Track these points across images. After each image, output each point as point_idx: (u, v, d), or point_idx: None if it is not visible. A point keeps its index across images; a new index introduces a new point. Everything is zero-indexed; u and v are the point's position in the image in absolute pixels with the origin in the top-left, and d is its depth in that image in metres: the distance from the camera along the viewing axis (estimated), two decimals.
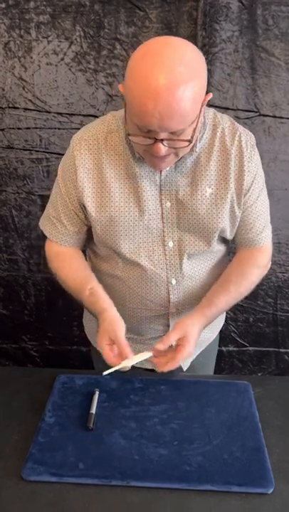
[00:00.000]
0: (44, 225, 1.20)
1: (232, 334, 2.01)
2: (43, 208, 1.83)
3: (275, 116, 1.65)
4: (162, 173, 1.05)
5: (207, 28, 1.54)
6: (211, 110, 1.08)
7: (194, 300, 1.20)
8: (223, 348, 2.03)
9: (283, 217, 1.79)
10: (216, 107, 1.63)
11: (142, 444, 1.00)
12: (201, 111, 0.90)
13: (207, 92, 0.93)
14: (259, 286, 1.87)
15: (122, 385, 1.17)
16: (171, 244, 1.11)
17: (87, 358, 1.55)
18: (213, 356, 1.44)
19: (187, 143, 0.92)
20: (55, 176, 1.77)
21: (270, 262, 1.21)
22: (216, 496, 0.90)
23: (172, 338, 1.06)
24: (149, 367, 1.29)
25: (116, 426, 1.04)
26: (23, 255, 1.93)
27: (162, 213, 1.08)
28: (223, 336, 1.96)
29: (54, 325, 2.03)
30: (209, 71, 1.58)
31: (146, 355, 1.07)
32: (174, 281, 1.16)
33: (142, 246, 1.11)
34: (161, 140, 0.89)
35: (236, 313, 1.97)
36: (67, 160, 1.10)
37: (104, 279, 1.22)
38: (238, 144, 1.05)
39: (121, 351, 1.02)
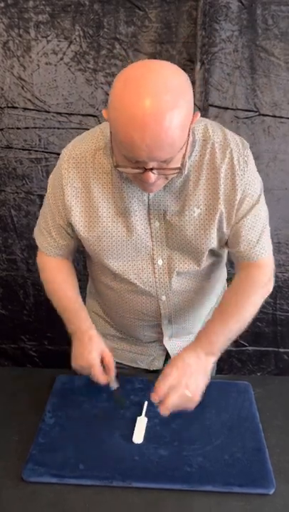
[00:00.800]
0: (36, 235, 1.21)
1: None
2: (41, 207, 1.83)
3: (274, 116, 1.65)
4: (150, 193, 1.02)
5: (207, 27, 1.53)
6: (203, 123, 1.03)
7: (186, 312, 1.21)
8: None
9: (283, 217, 1.79)
10: (215, 106, 1.63)
11: (143, 444, 1.00)
12: (189, 134, 0.88)
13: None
14: None
15: (123, 385, 1.17)
16: (160, 262, 1.11)
17: None
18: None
19: (177, 170, 0.90)
20: None
21: (273, 282, 1.15)
22: (216, 496, 0.90)
23: (162, 389, 0.97)
24: (144, 367, 1.30)
25: (116, 427, 1.04)
26: (22, 255, 1.93)
27: (151, 232, 1.07)
28: None
29: (53, 325, 2.02)
30: (209, 71, 1.58)
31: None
32: (164, 298, 1.16)
33: (131, 264, 1.11)
34: (151, 169, 0.87)
35: None
36: (55, 177, 1.08)
37: (99, 286, 1.23)
38: (229, 162, 1.00)
39: (109, 368, 1.07)
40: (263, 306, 1.92)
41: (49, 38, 1.60)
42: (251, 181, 1.03)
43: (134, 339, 1.29)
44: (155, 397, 0.96)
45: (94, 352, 1.05)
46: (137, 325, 1.24)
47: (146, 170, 0.86)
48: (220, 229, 1.06)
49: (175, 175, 0.94)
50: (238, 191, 1.01)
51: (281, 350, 2.04)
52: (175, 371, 0.99)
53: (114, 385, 1.08)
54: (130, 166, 0.88)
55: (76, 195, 1.05)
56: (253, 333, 2.01)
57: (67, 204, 1.06)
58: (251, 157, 1.04)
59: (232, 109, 1.64)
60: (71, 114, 1.69)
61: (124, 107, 0.80)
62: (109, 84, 1.64)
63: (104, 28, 1.58)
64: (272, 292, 1.90)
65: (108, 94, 1.64)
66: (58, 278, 1.19)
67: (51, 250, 1.17)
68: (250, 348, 2.04)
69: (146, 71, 0.81)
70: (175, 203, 1.04)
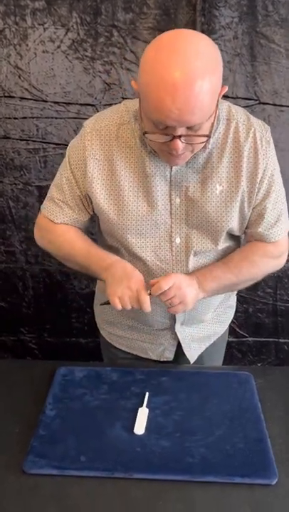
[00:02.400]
0: (48, 208, 1.15)
1: (231, 325, 1.99)
2: (40, 198, 1.82)
3: (275, 105, 1.63)
4: (173, 168, 1.03)
5: (206, 14, 1.51)
6: (226, 103, 1.05)
7: (200, 304, 1.19)
8: None
9: None
10: None
11: (144, 436, 1.00)
12: (217, 105, 0.89)
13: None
14: None
15: (123, 377, 1.16)
16: (178, 240, 1.10)
17: (87, 350, 1.55)
18: (221, 349, 1.44)
19: (205, 138, 0.90)
20: (52, 166, 1.77)
21: (284, 258, 1.16)
22: (219, 487, 0.90)
23: (165, 285, 1.03)
24: (154, 357, 1.29)
25: (117, 418, 1.04)
26: (21, 247, 1.91)
27: (171, 209, 1.07)
28: None
29: (53, 317, 2.03)
30: None
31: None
32: None
33: (149, 241, 1.10)
34: (179, 136, 0.87)
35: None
36: (77, 147, 1.07)
37: None
38: (253, 141, 1.02)
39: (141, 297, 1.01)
40: (263, 297, 1.95)
41: (46, 26, 1.58)
42: (272, 162, 1.05)
43: (145, 327, 1.27)
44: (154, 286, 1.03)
45: (136, 277, 1.02)
46: (148, 322, 1.23)
47: (174, 137, 0.87)
48: (242, 209, 1.07)
49: (201, 146, 0.94)
50: (260, 170, 1.02)
51: (281, 340, 2.04)
52: (171, 280, 1.03)
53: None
54: (159, 133, 0.89)
55: (99, 167, 1.05)
56: (253, 323, 2.01)
57: (89, 176, 1.05)
58: (272, 141, 1.05)
59: (232, 97, 1.62)
60: (69, 103, 1.67)
61: (156, 71, 0.81)
62: (108, 73, 1.62)
63: (101, 14, 1.55)
64: (273, 283, 1.92)
65: (107, 83, 1.63)
66: (72, 234, 1.14)
67: (63, 218, 1.13)
68: (250, 338, 2.04)
69: (178, 38, 0.83)
70: (197, 179, 1.04)
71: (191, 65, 0.80)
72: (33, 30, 1.59)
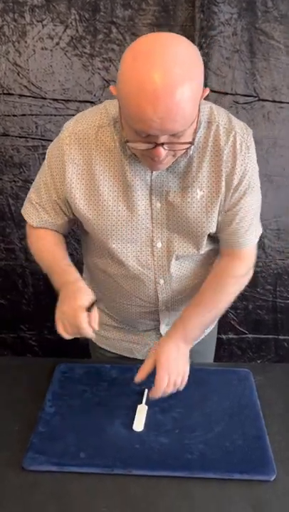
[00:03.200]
0: (27, 210, 1.14)
1: (231, 322, 2.00)
2: None
3: (274, 101, 1.62)
4: (153, 173, 1.01)
5: (205, 10, 1.50)
6: (208, 105, 1.02)
7: (184, 298, 1.20)
8: (223, 336, 2.02)
9: (282, 204, 1.77)
10: (214, 91, 1.61)
11: (143, 432, 1.00)
12: (199, 109, 0.87)
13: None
14: (259, 273, 1.88)
15: (122, 374, 1.17)
16: (159, 245, 1.09)
17: (87, 347, 1.54)
18: (212, 346, 1.44)
19: (188, 145, 0.89)
20: None
21: (252, 271, 1.15)
22: (217, 483, 0.90)
23: (146, 367, 1.06)
24: (140, 357, 1.29)
25: (117, 415, 1.04)
26: (21, 244, 1.91)
27: (152, 214, 1.05)
28: (222, 324, 1.96)
29: (53, 314, 2.01)
30: (207, 55, 1.56)
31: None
32: (161, 282, 1.15)
33: (130, 246, 1.09)
34: (162, 144, 0.86)
35: (235, 300, 1.94)
36: (55, 152, 1.05)
37: (96, 273, 1.21)
38: (232, 145, 0.99)
39: (93, 320, 0.96)
40: (262, 294, 1.95)
41: (44, 23, 1.58)
42: (250, 168, 1.02)
43: (130, 328, 1.28)
44: (138, 379, 1.05)
45: (80, 300, 0.96)
46: (134, 312, 1.22)
47: (157, 145, 0.86)
48: (220, 213, 1.06)
49: (184, 151, 0.93)
50: (236, 176, 1.00)
51: (281, 337, 2.04)
52: (165, 375, 1.03)
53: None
54: (141, 141, 0.87)
55: (78, 171, 1.03)
56: (253, 320, 2.01)
57: (68, 180, 1.04)
58: (253, 145, 1.02)
59: (231, 94, 1.62)
60: (68, 100, 1.67)
61: (135, 80, 0.78)
62: (107, 69, 1.62)
63: (100, 11, 1.54)
64: (272, 280, 1.92)
65: (106, 80, 1.63)
66: (46, 242, 1.13)
67: (43, 224, 1.13)
68: (250, 335, 2.04)
69: (156, 44, 0.80)
70: (178, 184, 1.03)
71: (170, 73, 0.77)
72: (32, 27, 1.58)
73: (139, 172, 1.01)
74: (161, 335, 1.26)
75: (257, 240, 1.12)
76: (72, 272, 1.05)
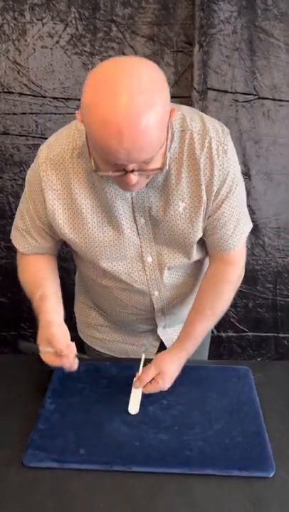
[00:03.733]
0: (14, 236, 1.15)
1: (231, 319, 2.00)
2: None
3: (274, 99, 1.62)
4: (132, 192, 1.00)
5: (205, 8, 1.50)
6: (179, 113, 0.98)
7: (179, 301, 1.21)
8: (222, 334, 2.03)
9: (282, 202, 1.77)
10: (214, 90, 1.61)
11: (143, 429, 1.00)
12: (168, 132, 0.84)
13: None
14: (259, 271, 1.89)
15: (122, 372, 1.17)
16: (150, 259, 1.09)
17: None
18: (206, 343, 1.44)
19: (158, 170, 0.87)
20: None
21: (243, 274, 1.15)
22: (217, 480, 0.90)
23: (149, 376, 1.07)
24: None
25: (116, 412, 1.04)
26: None
27: (137, 230, 1.05)
28: (222, 322, 1.96)
29: None
30: (207, 53, 1.56)
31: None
32: (156, 293, 1.15)
33: (121, 263, 1.09)
34: (132, 171, 0.83)
35: (236, 298, 1.95)
36: (33, 178, 1.03)
37: (89, 283, 1.21)
38: (208, 151, 0.96)
39: (58, 351, 0.96)
40: (262, 292, 1.95)
41: (44, 21, 1.58)
42: (230, 171, 0.99)
43: (126, 329, 1.29)
44: (137, 384, 1.07)
45: (39, 340, 1.00)
46: (130, 319, 1.23)
47: (126, 172, 0.84)
48: (204, 219, 1.04)
49: (156, 174, 0.92)
50: (216, 182, 0.98)
51: (281, 335, 2.04)
52: (166, 387, 1.07)
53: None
54: (110, 170, 0.85)
55: (58, 197, 1.01)
56: (253, 318, 2.01)
57: (49, 208, 1.02)
58: (231, 144, 1.00)
59: (231, 92, 1.62)
60: (68, 99, 1.67)
61: (98, 113, 0.76)
62: None
63: (100, 9, 1.55)
64: (272, 278, 1.92)
65: None
66: (35, 267, 1.13)
67: (32, 250, 1.13)
68: (250, 333, 2.05)
69: (116, 72, 0.77)
70: (159, 198, 1.01)
71: (133, 104, 0.75)
72: (32, 25, 1.59)
73: (118, 191, 0.99)
74: (158, 336, 1.27)
75: (245, 237, 1.10)
76: (48, 304, 1.04)
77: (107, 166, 0.85)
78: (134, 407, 1.03)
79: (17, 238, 1.14)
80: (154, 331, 1.26)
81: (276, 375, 1.19)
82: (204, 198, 1.00)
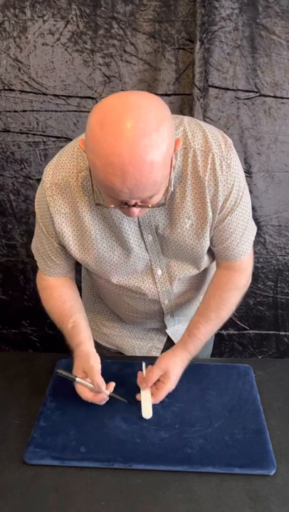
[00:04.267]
0: (35, 256, 1.16)
1: (232, 317, 2.00)
2: None
3: (275, 97, 1.62)
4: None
5: (206, 5, 1.50)
6: (181, 128, 0.96)
7: (188, 304, 1.23)
8: (224, 332, 2.03)
9: (283, 200, 1.77)
10: (215, 87, 1.60)
11: (144, 427, 1.00)
12: (171, 165, 0.84)
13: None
14: (259, 269, 1.88)
15: (123, 369, 1.17)
16: (160, 272, 1.10)
17: None
18: (210, 340, 1.44)
19: (161, 206, 0.88)
20: None
21: (250, 281, 1.16)
22: (217, 477, 0.90)
23: (154, 378, 1.07)
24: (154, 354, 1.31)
25: (117, 410, 1.05)
26: (22, 240, 1.92)
27: (146, 245, 1.06)
28: None
29: None
30: (208, 50, 1.55)
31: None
32: (166, 302, 1.17)
33: (132, 277, 1.11)
34: (134, 205, 0.84)
35: None
36: (41, 203, 1.04)
37: (98, 289, 1.23)
38: (212, 168, 0.95)
39: (95, 386, 1.01)
40: (263, 290, 1.95)
41: (45, 18, 1.57)
42: (235, 184, 0.98)
43: (135, 326, 1.31)
44: (143, 385, 1.07)
45: (76, 371, 1.04)
46: (139, 321, 1.26)
47: (129, 206, 0.85)
48: (211, 232, 1.04)
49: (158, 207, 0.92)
50: (220, 196, 0.98)
51: (282, 333, 2.04)
52: (171, 389, 1.07)
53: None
54: (112, 203, 0.86)
55: (66, 220, 1.02)
56: (254, 316, 2.01)
57: (58, 230, 1.03)
58: (234, 156, 0.98)
59: (232, 89, 1.61)
60: (69, 96, 1.67)
61: (103, 153, 0.76)
62: (108, 65, 1.61)
63: (101, 6, 1.54)
64: (273, 276, 1.92)
65: (106, 76, 1.62)
66: (60, 296, 1.15)
67: (51, 271, 1.14)
68: (251, 331, 2.05)
69: (122, 109, 0.77)
70: (165, 217, 1.01)
71: (139, 145, 0.75)
72: (33, 22, 1.58)
73: None
74: (166, 334, 1.29)
75: (251, 246, 1.10)
76: (82, 331, 1.09)
77: (109, 199, 0.86)
78: (147, 411, 1.03)
79: (38, 259, 1.15)
80: (162, 329, 1.29)
81: (277, 373, 1.19)
82: (210, 213, 1.00)
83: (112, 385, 1.04)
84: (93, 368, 1.00)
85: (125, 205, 0.85)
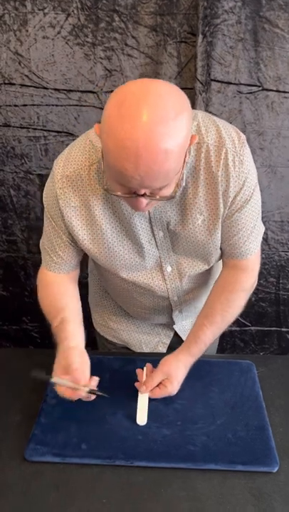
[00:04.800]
0: (41, 252, 1.15)
1: None
2: (41, 187, 1.80)
3: (278, 91, 1.60)
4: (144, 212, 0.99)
5: None
6: (194, 123, 0.95)
7: (196, 300, 1.22)
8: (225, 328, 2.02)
9: (286, 195, 1.76)
10: (218, 81, 1.59)
11: (146, 424, 1.00)
12: (185, 159, 0.83)
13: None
14: (262, 265, 1.86)
15: (125, 366, 1.16)
16: (169, 268, 1.10)
17: (88, 339, 1.53)
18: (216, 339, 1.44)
19: (170, 198, 0.87)
20: (54, 154, 1.75)
21: (256, 282, 1.14)
22: (220, 475, 0.90)
23: (156, 381, 1.05)
24: (147, 351, 1.30)
25: (119, 406, 1.04)
26: (22, 236, 1.91)
27: (156, 242, 1.05)
28: None
29: None
30: (211, 44, 1.53)
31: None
32: (175, 298, 1.17)
33: (141, 273, 1.09)
34: (143, 195, 0.83)
35: None
36: (50, 196, 1.02)
37: (108, 283, 1.22)
38: (224, 163, 0.94)
39: (74, 379, 0.93)
40: (265, 286, 1.94)
41: (46, 11, 1.55)
42: (246, 180, 0.97)
43: (142, 321, 1.30)
44: (143, 389, 1.05)
45: (56, 368, 0.96)
46: (147, 317, 1.26)
47: (137, 196, 0.83)
48: (221, 226, 1.03)
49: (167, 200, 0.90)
50: (231, 191, 0.96)
51: (284, 329, 2.04)
52: (170, 386, 1.05)
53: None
54: (121, 191, 0.85)
55: (76, 214, 1.01)
56: (255, 312, 2.00)
57: (68, 224, 1.02)
58: (247, 152, 0.97)
59: (235, 83, 1.60)
60: (70, 90, 1.65)
61: (118, 136, 0.75)
62: (109, 59, 1.60)
63: None
64: (275, 272, 1.91)
65: (108, 70, 1.61)
66: (56, 292, 1.12)
67: (57, 268, 1.12)
68: (252, 327, 2.04)
69: (142, 95, 0.76)
70: (177, 213, 1.00)
71: (155, 132, 0.74)
72: (33, 15, 1.56)
73: None
74: (173, 329, 1.29)
75: (259, 246, 1.09)
76: (67, 329, 1.02)
77: (118, 186, 0.84)
78: (141, 418, 1.01)
79: (44, 256, 1.14)
80: (169, 324, 1.28)
81: (279, 370, 1.18)
82: (222, 208, 0.99)
83: (94, 379, 0.96)
84: (73, 365, 0.93)
85: (134, 194, 0.83)
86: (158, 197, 0.84)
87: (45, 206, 1.05)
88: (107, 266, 1.09)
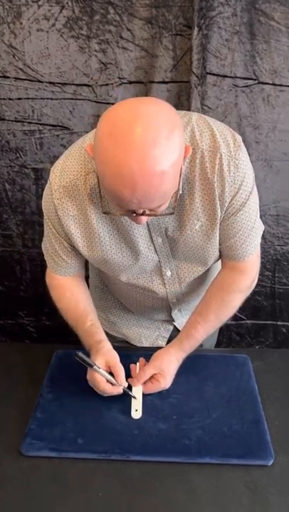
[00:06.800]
0: (46, 257, 1.15)
1: None
2: (36, 181, 1.80)
3: (274, 84, 1.59)
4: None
5: None
6: (189, 128, 0.94)
7: (195, 297, 1.22)
8: None
9: (282, 189, 1.75)
10: (213, 74, 1.58)
11: (141, 418, 1.00)
12: (180, 173, 0.83)
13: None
14: None
15: (121, 361, 1.16)
16: (169, 273, 1.10)
17: None
18: (214, 333, 1.44)
19: (169, 214, 0.88)
20: (49, 148, 1.75)
21: (255, 283, 1.13)
22: (215, 468, 0.90)
23: (147, 374, 1.06)
24: (147, 345, 1.31)
25: (114, 401, 1.04)
26: (18, 230, 1.90)
27: (155, 248, 1.05)
28: None
29: (51, 300, 2.01)
30: (206, 36, 1.52)
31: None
32: (174, 300, 1.18)
33: (140, 278, 1.11)
34: (142, 213, 0.84)
35: None
36: (48, 205, 1.02)
37: (108, 283, 1.24)
38: (220, 168, 0.93)
39: (119, 379, 1.02)
40: (261, 280, 1.94)
41: (40, 3, 1.54)
42: (242, 183, 0.96)
43: (142, 316, 1.31)
44: (135, 382, 1.06)
45: (100, 360, 1.03)
46: (146, 316, 1.27)
47: (136, 215, 0.84)
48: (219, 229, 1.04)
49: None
50: (227, 195, 0.96)
51: (279, 323, 2.04)
52: (162, 380, 1.06)
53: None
54: (120, 211, 0.86)
55: (74, 222, 1.01)
56: (251, 306, 2.01)
57: (67, 232, 1.03)
58: (243, 155, 0.96)
59: (230, 77, 1.59)
60: (65, 83, 1.64)
61: (112, 163, 0.75)
62: (104, 52, 1.58)
63: None
64: (271, 266, 1.91)
65: (103, 63, 1.60)
66: (73, 295, 1.15)
67: (63, 271, 1.13)
68: (248, 321, 2.05)
69: (132, 120, 0.75)
70: (174, 219, 1.00)
71: (148, 157, 0.74)
72: (27, 7, 1.55)
73: None
74: (174, 325, 1.30)
75: (258, 247, 1.08)
76: (101, 330, 1.11)
77: (117, 207, 0.85)
78: (136, 412, 1.02)
79: (47, 258, 1.14)
80: (169, 321, 1.30)
81: (275, 363, 1.19)
82: (219, 213, 0.98)
83: (130, 381, 1.05)
84: (118, 363, 1.02)
85: (133, 214, 0.84)
86: (157, 213, 0.86)
87: (44, 213, 1.06)
88: (106, 271, 1.10)
